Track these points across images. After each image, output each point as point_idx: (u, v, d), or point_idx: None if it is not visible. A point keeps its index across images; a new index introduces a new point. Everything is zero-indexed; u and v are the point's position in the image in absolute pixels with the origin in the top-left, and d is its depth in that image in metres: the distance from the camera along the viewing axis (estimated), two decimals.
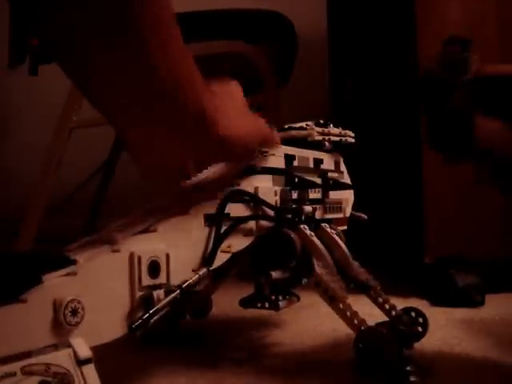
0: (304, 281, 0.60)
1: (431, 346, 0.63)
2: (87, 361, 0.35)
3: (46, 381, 0.33)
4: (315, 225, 0.63)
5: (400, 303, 0.64)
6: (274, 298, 0.62)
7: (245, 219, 0.54)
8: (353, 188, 0.73)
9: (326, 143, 0.68)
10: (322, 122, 0.68)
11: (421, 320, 0.63)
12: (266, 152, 0.60)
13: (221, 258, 0.50)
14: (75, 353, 0.35)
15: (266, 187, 0.57)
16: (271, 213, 0.57)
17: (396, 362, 0.54)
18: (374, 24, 1.16)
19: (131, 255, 0.41)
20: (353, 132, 0.71)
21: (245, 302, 0.64)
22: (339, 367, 0.58)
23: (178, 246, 0.46)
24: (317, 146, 0.67)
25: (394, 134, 1.11)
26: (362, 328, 0.55)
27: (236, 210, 0.53)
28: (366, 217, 0.73)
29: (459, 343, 0.66)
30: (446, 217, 1.02)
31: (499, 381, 0.56)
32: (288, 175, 0.61)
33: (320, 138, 0.67)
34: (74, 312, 0.36)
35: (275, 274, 0.58)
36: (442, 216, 1.02)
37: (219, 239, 0.50)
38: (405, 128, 1.08)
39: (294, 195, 0.61)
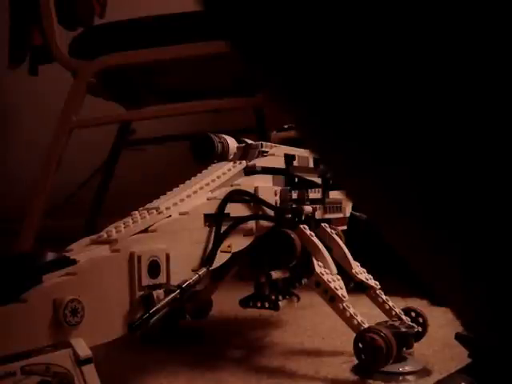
0: (304, 281, 0.60)
1: (431, 345, 0.63)
2: (87, 361, 0.35)
3: (46, 380, 0.33)
4: (315, 225, 0.63)
5: (400, 303, 0.64)
6: (273, 297, 0.62)
7: (245, 219, 0.54)
8: None
9: None
10: None
11: (421, 320, 0.63)
12: (266, 152, 0.60)
13: (221, 258, 0.50)
14: (75, 353, 0.35)
15: (266, 187, 0.57)
16: (271, 213, 0.57)
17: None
18: None
19: (131, 255, 0.41)
20: None
21: (245, 302, 0.64)
22: (339, 367, 0.58)
23: (178, 246, 0.46)
24: None
25: None
26: (362, 328, 0.55)
27: (236, 209, 0.53)
28: (366, 216, 0.73)
29: (459, 343, 0.66)
30: None
31: None
32: (288, 175, 0.61)
33: None
34: (74, 312, 0.36)
35: (275, 274, 0.58)
36: None
37: (219, 239, 0.50)
38: None
39: (294, 195, 0.61)
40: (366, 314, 0.58)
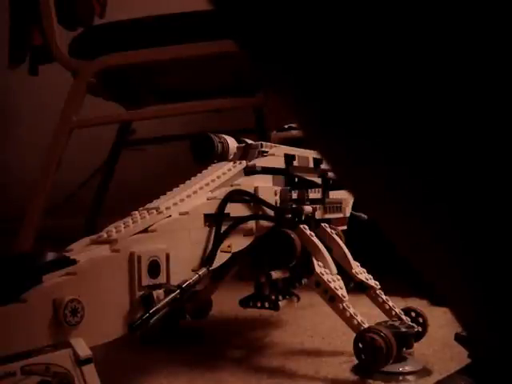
0: (304, 281, 0.60)
1: (431, 345, 0.63)
2: (87, 361, 0.35)
3: (46, 380, 0.33)
4: (315, 225, 0.63)
5: (400, 303, 0.64)
6: (273, 297, 0.62)
7: (245, 219, 0.54)
8: None
9: None
10: None
11: (421, 320, 0.63)
12: (266, 152, 0.60)
13: (221, 258, 0.50)
14: (75, 353, 0.35)
15: (266, 187, 0.57)
16: (271, 213, 0.57)
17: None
18: None
19: (131, 255, 0.41)
20: None
21: (245, 302, 0.64)
22: (339, 367, 0.58)
23: (178, 246, 0.46)
24: None
25: None
26: (362, 328, 0.55)
27: (236, 209, 0.53)
28: (366, 216, 0.73)
29: (459, 344, 0.66)
30: None
31: None
32: (288, 175, 0.61)
33: None
34: (74, 312, 0.36)
35: (275, 274, 0.58)
36: None
37: (219, 239, 0.50)
38: None
39: (294, 195, 0.61)
40: (365, 313, 0.58)
